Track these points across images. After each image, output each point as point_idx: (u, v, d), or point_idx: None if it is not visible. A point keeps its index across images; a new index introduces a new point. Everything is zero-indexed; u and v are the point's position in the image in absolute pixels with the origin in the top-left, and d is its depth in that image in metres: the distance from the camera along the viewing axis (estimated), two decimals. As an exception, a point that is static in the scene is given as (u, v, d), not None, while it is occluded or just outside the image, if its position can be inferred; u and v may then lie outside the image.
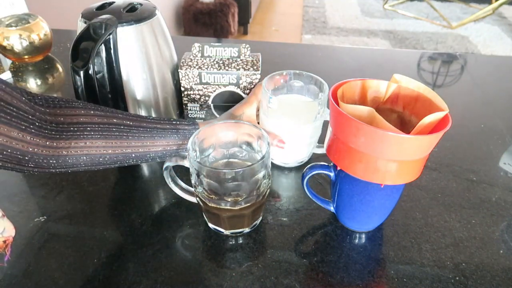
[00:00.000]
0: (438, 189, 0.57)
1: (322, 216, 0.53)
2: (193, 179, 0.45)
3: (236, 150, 0.51)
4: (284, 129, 0.55)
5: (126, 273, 0.45)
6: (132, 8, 0.58)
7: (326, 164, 0.49)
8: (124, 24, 0.54)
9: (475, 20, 3.14)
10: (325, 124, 0.53)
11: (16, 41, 0.84)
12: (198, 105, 0.64)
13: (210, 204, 0.45)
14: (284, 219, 0.52)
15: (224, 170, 0.43)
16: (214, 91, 0.62)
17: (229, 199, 0.45)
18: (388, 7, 3.49)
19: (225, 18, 2.55)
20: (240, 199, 0.45)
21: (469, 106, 0.78)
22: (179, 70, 0.60)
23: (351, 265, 0.46)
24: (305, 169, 0.49)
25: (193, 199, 0.50)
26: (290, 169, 0.61)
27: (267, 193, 0.48)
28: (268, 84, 0.57)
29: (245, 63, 0.62)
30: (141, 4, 0.59)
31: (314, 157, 0.63)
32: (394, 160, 0.40)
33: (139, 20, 0.56)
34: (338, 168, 0.45)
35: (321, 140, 0.60)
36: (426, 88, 0.43)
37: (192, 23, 2.56)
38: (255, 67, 0.62)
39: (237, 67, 0.61)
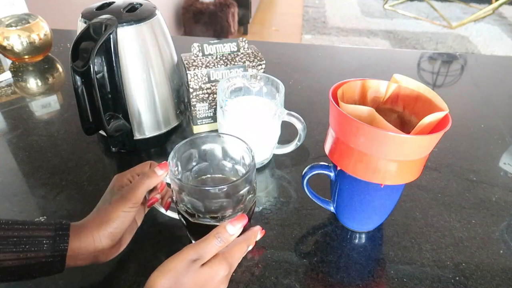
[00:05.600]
0: (438, 189, 0.57)
1: (322, 216, 0.53)
2: (174, 196, 0.43)
3: (221, 163, 0.49)
4: (241, 131, 0.55)
5: (126, 273, 0.45)
6: (132, 8, 0.58)
7: (326, 164, 0.49)
8: (124, 24, 0.54)
9: (475, 20, 3.14)
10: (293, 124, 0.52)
11: (16, 41, 0.84)
12: (207, 104, 0.64)
13: (193, 221, 0.43)
14: (284, 219, 0.52)
15: (206, 188, 0.41)
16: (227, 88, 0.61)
17: (212, 216, 0.42)
18: (388, 7, 3.49)
19: (225, 18, 2.55)
20: (225, 216, 0.42)
21: (469, 106, 0.78)
22: (187, 72, 0.60)
23: (351, 265, 0.46)
24: (305, 169, 0.49)
25: (175, 215, 0.47)
26: (290, 169, 0.61)
27: (253, 209, 0.46)
28: (224, 87, 0.57)
29: (247, 56, 0.63)
30: (141, 4, 0.59)
31: (314, 158, 0.63)
32: (394, 160, 0.40)
33: (139, 20, 0.56)
34: (338, 168, 0.45)
35: (281, 141, 0.60)
36: (426, 88, 0.43)
37: (192, 23, 2.56)
38: (258, 58, 0.62)
39: (242, 61, 0.62)
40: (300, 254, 0.48)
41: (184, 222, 0.44)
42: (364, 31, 3.09)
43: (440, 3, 3.56)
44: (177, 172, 0.45)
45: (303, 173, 0.49)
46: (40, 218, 0.51)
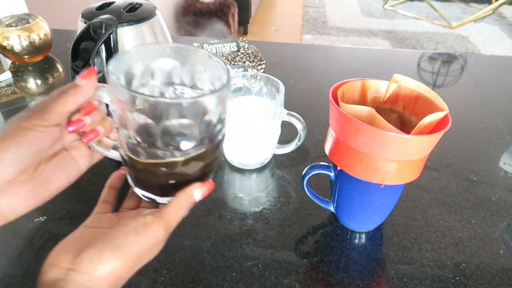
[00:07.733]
0: (438, 189, 0.57)
1: (322, 216, 0.53)
2: (115, 119, 0.31)
3: (176, 89, 0.35)
4: (241, 131, 0.55)
5: (126, 273, 0.45)
6: (132, 8, 0.58)
7: (326, 164, 0.49)
8: (124, 24, 0.54)
9: (475, 20, 3.14)
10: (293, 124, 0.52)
11: (16, 41, 0.84)
12: None
13: (139, 159, 0.31)
14: (284, 219, 0.52)
15: (166, 100, 0.29)
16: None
17: (169, 147, 0.30)
18: (388, 7, 3.49)
19: (225, 18, 2.55)
20: (187, 148, 0.31)
21: (469, 106, 0.78)
22: None
23: (351, 265, 0.46)
24: (305, 169, 0.49)
25: (116, 155, 0.35)
26: (290, 169, 0.61)
27: (221, 144, 0.34)
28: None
29: (247, 56, 0.63)
30: (141, 4, 0.59)
31: (314, 158, 0.63)
32: (394, 160, 0.40)
33: (139, 20, 0.56)
34: (338, 168, 0.45)
35: (281, 141, 0.60)
36: (426, 88, 0.43)
37: (192, 23, 2.56)
38: (258, 58, 0.62)
39: (242, 61, 0.62)
40: (300, 254, 0.48)
41: (127, 159, 0.33)
42: (364, 31, 3.09)
43: (440, 3, 3.56)
44: (121, 81, 0.31)
45: (303, 173, 0.49)
46: (40, 218, 0.51)
